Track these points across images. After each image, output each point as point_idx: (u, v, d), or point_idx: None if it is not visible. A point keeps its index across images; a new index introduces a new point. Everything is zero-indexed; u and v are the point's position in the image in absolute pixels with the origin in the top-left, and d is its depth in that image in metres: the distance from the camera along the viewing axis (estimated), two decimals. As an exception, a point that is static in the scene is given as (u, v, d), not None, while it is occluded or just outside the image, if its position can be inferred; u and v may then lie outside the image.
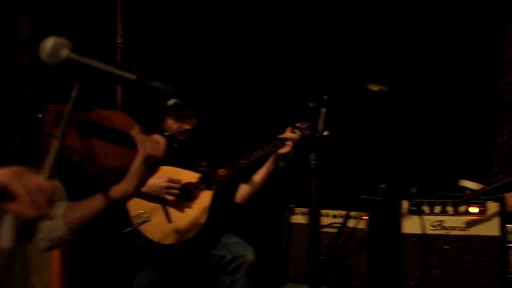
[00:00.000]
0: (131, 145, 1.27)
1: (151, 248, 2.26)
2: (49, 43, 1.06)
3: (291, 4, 3.30)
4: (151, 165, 1.27)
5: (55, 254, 2.31)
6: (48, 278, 2.27)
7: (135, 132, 1.26)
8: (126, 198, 1.29)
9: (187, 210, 2.33)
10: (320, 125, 1.40)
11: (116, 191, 1.27)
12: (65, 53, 1.06)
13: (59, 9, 3.04)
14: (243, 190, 2.49)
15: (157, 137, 1.30)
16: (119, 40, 3.16)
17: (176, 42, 3.26)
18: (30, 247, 1.33)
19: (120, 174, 1.28)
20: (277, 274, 2.72)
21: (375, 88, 1.54)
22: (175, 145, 2.41)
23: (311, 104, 1.46)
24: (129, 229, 2.24)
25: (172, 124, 2.35)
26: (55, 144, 1.06)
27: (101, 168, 1.25)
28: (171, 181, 2.24)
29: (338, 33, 3.17)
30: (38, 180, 0.96)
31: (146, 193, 2.22)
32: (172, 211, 2.29)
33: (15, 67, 1.17)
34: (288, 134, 2.41)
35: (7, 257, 1.21)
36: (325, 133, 2.27)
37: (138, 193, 2.24)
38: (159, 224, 2.27)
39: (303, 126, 2.47)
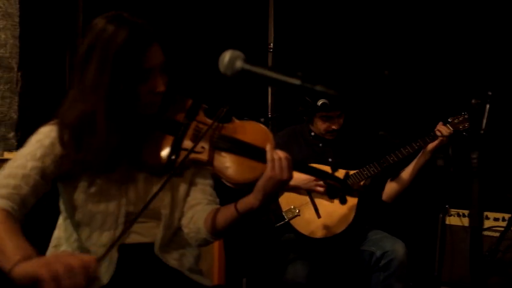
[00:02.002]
0: (261, 158, 1.28)
1: (302, 242, 2.35)
2: (226, 56, 1.19)
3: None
4: (277, 185, 1.26)
5: (216, 244, 2.55)
6: (210, 265, 2.51)
7: (268, 149, 1.28)
8: (252, 211, 1.30)
9: (335, 207, 2.37)
10: (484, 123, 1.34)
11: (242, 204, 1.31)
12: (239, 64, 1.19)
13: (214, 18, 3.35)
14: (391, 188, 2.45)
15: (285, 155, 1.29)
16: (271, 45, 3.37)
17: (328, 46, 3.33)
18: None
19: (249, 186, 1.31)
20: (430, 277, 2.64)
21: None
22: (321, 144, 2.47)
23: (474, 101, 1.39)
24: (281, 223, 2.36)
25: (320, 124, 2.41)
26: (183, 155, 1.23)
27: (231, 180, 1.30)
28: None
29: (503, 23, 2.93)
30: (70, 263, 1.02)
31: (296, 186, 2.31)
32: (321, 207, 2.36)
33: (156, 93, 1.30)
34: (439, 128, 2.32)
35: (159, 249, 1.40)
36: None
37: (286, 189, 2.36)
38: (309, 219, 2.35)
39: (456, 121, 2.35)
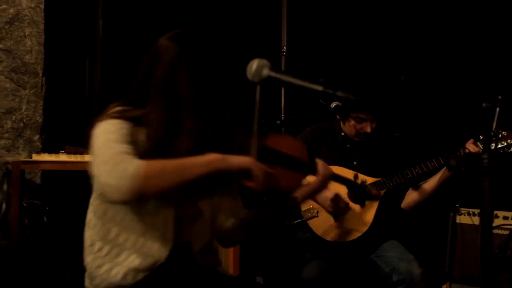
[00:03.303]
0: (298, 169, 1.43)
1: (319, 242, 2.37)
2: (254, 64, 1.28)
3: (459, 5, 3.22)
4: (321, 192, 1.53)
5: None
6: (225, 260, 2.57)
7: (321, 166, 1.48)
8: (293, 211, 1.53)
9: (354, 212, 2.37)
10: (494, 125, 1.42)
11: (284, 206, 1.51)
12: (266, 72, 1.28)
13: (228, 21, 3.43)
14: (411, 197, 2.43)
15: (332, 173, 1.51)
16: (284, 49, 3.45)
17: (341, 49, 3.38)
18: None
19: (285, 195, 1.48)
20: (442, 274, 2.70)
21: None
22: (349, 145, 2.46)
23: (484, 104, 1.47)
24: (298, 220, 2.39)
25: (353, 125, 2.38)
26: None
27: (271, 188, 1.41)
28: (337, 197, 2.31)
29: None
30: (263, 166, 1.31)
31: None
32: (340, 211, 2.35)
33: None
34: (468, 146, 2.25)
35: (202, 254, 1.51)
36: None
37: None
38: (326, 221, 2.36)
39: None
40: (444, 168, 2.34)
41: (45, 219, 1.80)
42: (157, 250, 1.40)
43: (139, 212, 1.40)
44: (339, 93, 1.24)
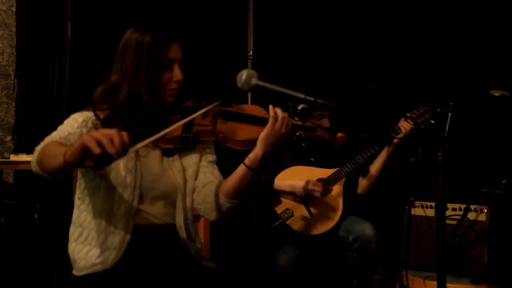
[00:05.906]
0: (261, 123, 1.56)
1: (295, 236, 2.49)
2: (243, 74, 1.45)
3: (411, 15, 3.43)
4: (276, 136, 1.53)
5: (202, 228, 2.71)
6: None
7: (270, 107, 1.55)
8: (258, 161, 1.53)
9: (324, 204, 2.56)
10: (447, 127, 1.64)
11: (249, 157, 1.55)
12: (254, 81, 1.45)
13: (195, 26, 3.51)
14: (364, 182, 2.70)
15: (285, 114, 1.56)
16: (250, 53, 3.57)
17: (306, 54, 3.51)
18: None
19: (253, 145, 1.56)
20: (398, 261, 2.91)
21: (496, 93, 1.74)
22: (303, 144, 2.66)
23: (439, 110, 1.68)
24: (277, 223, 2.51)
25: (314, 122, 2.55)
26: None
27: (238, 141, 1.56)
28: (315, 184, 2.50)
29: (463, 41, 3.29)
30: (105, 130, 1.16)
31: (294, 193, 2.51)
32: (312, 206, 2.54)
33: (175, 81, 1.56)
34: (402, 124, 2.57)
35: (185, 231, 1.61)
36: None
37: (284, 193, 2.53)
38: (302, 218, 2.52)
39: (414, 115, 2.59)
40: (384, 149, 2.61)
41: (36, 216, 1.86)
42: (122, 229, 1.51)
43: (108, 199, 1.52)
44: (319, 100, 1.42)
